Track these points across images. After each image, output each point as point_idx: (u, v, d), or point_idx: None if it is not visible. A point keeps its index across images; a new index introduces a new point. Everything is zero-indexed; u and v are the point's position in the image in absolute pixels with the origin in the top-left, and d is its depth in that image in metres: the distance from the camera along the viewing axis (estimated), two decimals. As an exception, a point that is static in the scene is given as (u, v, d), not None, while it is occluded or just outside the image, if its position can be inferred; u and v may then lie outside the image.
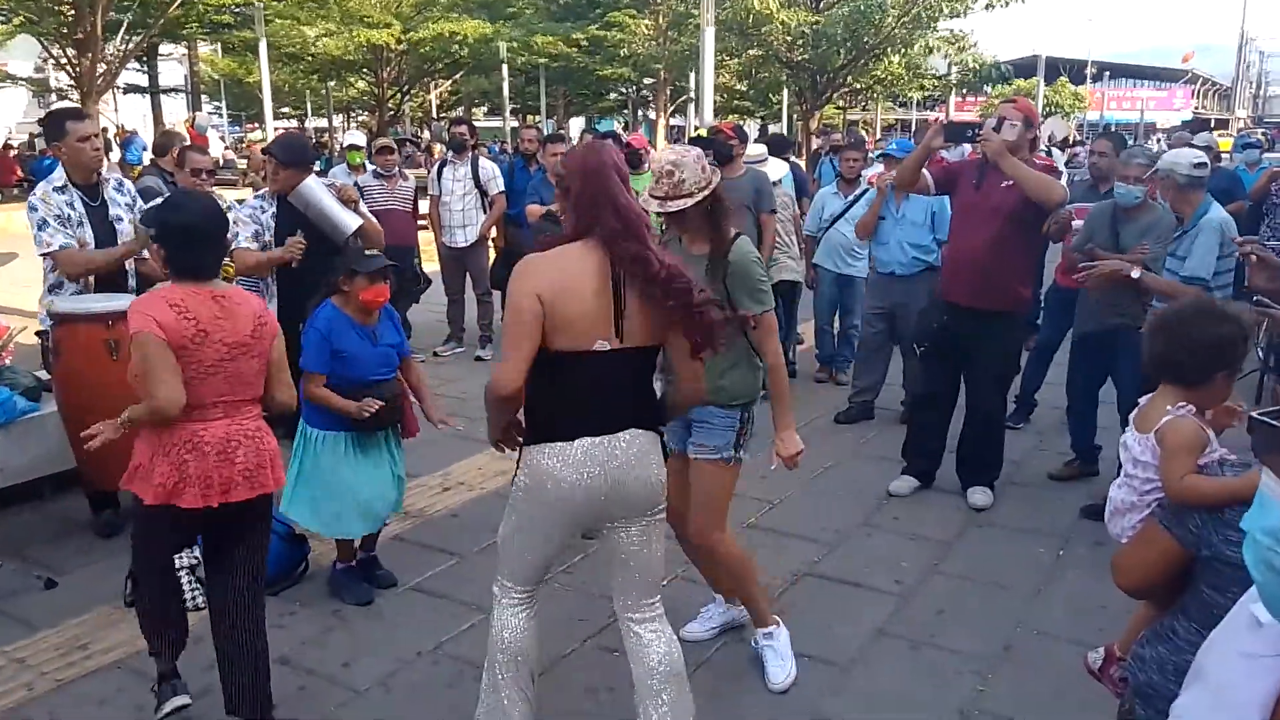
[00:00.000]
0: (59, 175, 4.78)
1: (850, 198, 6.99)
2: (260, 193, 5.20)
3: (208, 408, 2.92)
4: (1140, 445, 2.27)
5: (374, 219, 5.58)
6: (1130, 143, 7.40)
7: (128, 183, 5.19)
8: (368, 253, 4.05)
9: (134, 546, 3.20)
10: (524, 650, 2.93)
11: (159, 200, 4.64)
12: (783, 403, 3.45)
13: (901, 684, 3.57)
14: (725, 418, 3.44)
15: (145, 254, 4.88)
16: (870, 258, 6.79)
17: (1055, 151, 9.55)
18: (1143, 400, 2.36)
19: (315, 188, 4.85)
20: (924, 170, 4.96)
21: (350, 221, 4.89)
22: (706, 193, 3.23)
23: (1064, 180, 6.45)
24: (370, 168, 8.40)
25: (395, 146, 8.30)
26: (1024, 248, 4.93)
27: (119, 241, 4.80)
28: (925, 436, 5.38)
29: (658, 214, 3.27)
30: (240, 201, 5.49)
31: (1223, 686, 0.91)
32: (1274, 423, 0.81)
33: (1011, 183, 4.67)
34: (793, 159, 11.27)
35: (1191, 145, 8.67)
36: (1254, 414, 0.81)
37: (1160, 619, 2.13)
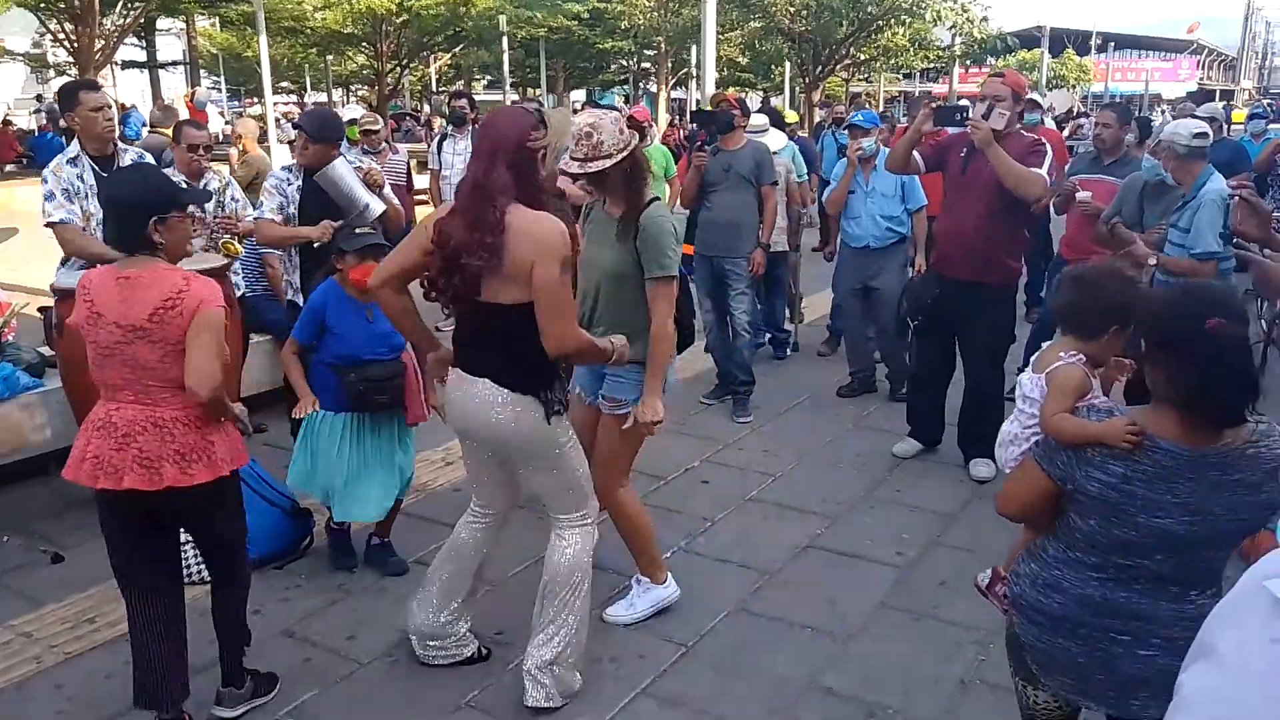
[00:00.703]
0: (73, 146, 4.81)
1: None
2: (287, 165, 5.16)
3: (118, 389, 2.88)
4: (1032, 383, 2.43)
5: (398, 203, 5.56)
6: (1135, 113, 7.35)
7: (148, 155, 5.17)
8: (357, 231, 4.01)
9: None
10: (460, 551, 3.41)
11: None
12: (657, 369, 3.47)
13: (903, 655, 3.59)
14: (636, 375, 3.52)
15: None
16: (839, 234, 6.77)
17: (1049, 121, 9.48)
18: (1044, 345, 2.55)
19: (342, 169, 4.81)
20: (914, 152, 4.98)
21: (374, 205, 4.86)
22: (625, 154, 3.33)
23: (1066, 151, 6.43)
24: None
25: (377, 130, 8.17)
26: (1013, 222, 4.94)
27: None
28: (926, 408, 5.43)
29: (576, 174, 3.42)
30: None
31: (1249, 673, 0.89)
32: None
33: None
34: (800, 134, 11.23)
35: (1194, 116, 8.64)
36: None
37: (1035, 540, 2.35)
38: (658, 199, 3.51)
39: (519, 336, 2.95)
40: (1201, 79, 64.27)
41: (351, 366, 3.84)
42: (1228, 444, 2.01)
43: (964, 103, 4.94)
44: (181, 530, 3.25)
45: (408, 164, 8.15)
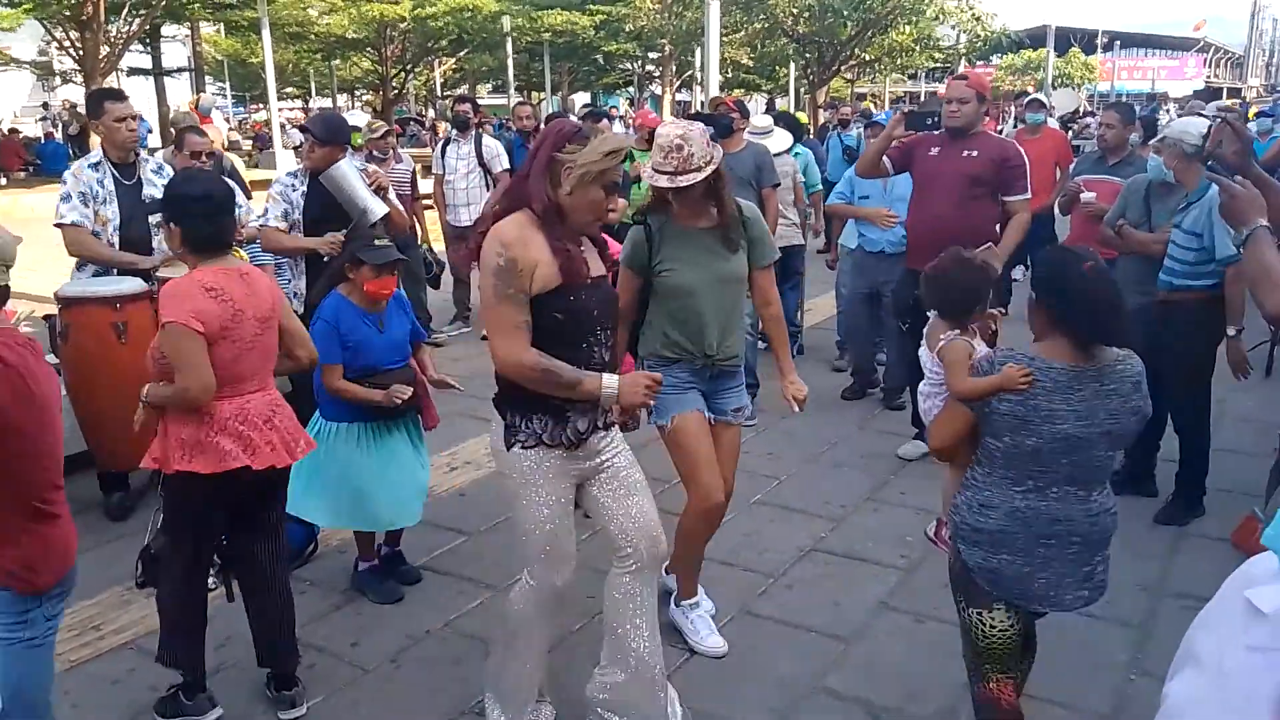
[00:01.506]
0: (96, 151, 4.92)
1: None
2: (292, 170, 5.19)
3: (247, 380, 3.02)
4: (928, 359, 2.93)
5: (401, 208, 5.56)
6: (1139, 112, 7.35)
7: (168, 166, 5.22)
8: (377, 242, 3.89)
9: (174, 541, 3.16)
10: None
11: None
12: (786, 348, 3.63)
13: (906, 657, 3.59)
14: (744, 378, 3.61)
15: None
16: (852, 238, 6.73)
17: (1053, 121, 9.46)
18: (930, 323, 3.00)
19: (347, 171, 4.82)
20: (883, 157, 5.10)
21: (377, 209, 4.85)
22: (713, 167, 3.25)
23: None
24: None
25: (384, 136, 8.14)
26: (987, 212, 5.01)
27: (149, 220, 4.81)
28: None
29: (666, 188, 3.28)
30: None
31: (1228, 678, 0.90)
32: None
33: (974, 152, 4.89)
34: (808, 139, 11.23)
35: (1201, 114, 8.62)
36: None
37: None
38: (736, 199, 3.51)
39: None
40: (1208, 77, 64.11)
41: (370, 377, 3.78)
42: (1102, 362, 2.54)
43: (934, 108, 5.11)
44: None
45: (413, 172, 8.08)
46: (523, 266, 2.66)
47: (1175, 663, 1.01)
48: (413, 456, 4.00)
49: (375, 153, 7.75)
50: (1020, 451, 2.54)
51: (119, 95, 5.09)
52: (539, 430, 2.79)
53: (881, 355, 6.73)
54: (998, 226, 5.12)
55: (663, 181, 3.25)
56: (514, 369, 2.71)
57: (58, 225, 4.78)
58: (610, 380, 2.74)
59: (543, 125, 7.94)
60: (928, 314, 3.11)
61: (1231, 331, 4.48)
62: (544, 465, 2.81)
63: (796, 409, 3.62)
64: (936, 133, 5.13)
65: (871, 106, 29.62)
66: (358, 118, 9.05)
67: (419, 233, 7.98)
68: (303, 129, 5.21)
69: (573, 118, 8.19)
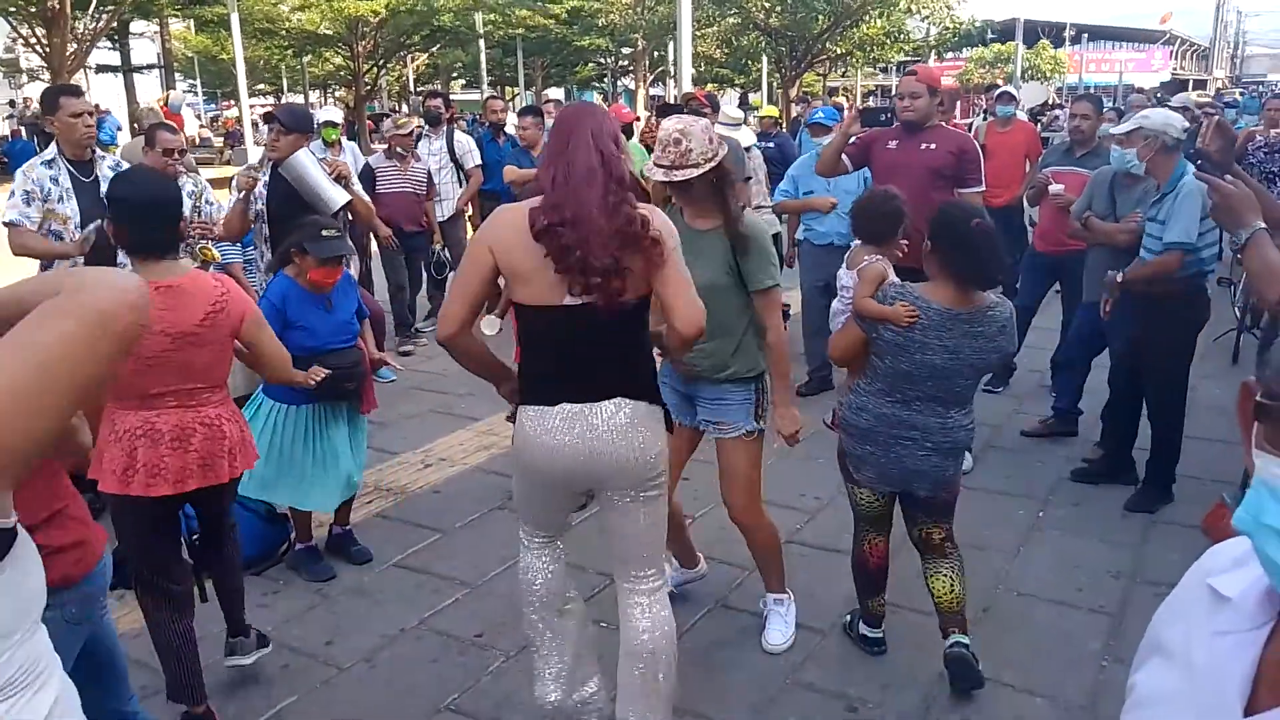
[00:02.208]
0: (51, 149, 4.84)
1: None
2: (252, 162, 5.18)
3: (157, 397, 2.90)
4: (848, 277, 3.66)
5: (365, 196, 5.53)
6: (1107, 105, 7.40)
7: (125, 163, 5.16)
8: (324, 234, 3.87)
9: (131, 557, 3.13)
10: (551, 591, 2.95)
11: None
12: (784, 380, 3.43)
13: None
14: (740, 393, 3.42)
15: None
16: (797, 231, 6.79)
17: (1022, 114, 9.50)
18: (851, 249, 3.78)
19: (306, 161, 4.81)
20: (841, 156, 5.15)
21: (338, 197, 4.84)
22: (713, 164, 3.18)
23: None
24: (347, 145, 8.25)
25: (408, 132, 7.81)
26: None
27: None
28: None
29: (663, 182, 3.25)
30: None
31: (1194, 665, 0.90)
32: (1274, 403, 0.78)
33: (932, 144, 4.95)
34: (780, 133, 11.25)
35: (1168, 105, 8.70)
36: (1259, 398, 0.78)
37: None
38: (745, 206, 3.43)
39: (644, 333, 2.79)
40: (1175, 69, 64.72)
41: (318, 357, 3.79)
42: (975, 306, 3.09)
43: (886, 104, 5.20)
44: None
45: (428, 172, 7.79)
46: None
47: (1140, 653, 1.01)
48: (348, 442, 4.06)
49: (399, 149, 7.56)
50: (895, 371, 3.16)
51: (75, 91, 5.04)
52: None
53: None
54: None
55: (659, 175, 3.20)
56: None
57: (4, 223, 4.73)
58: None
59: (516, 119, 7.92)
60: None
61: (1120, 278, 4.59)
62: None
63: (781, 443, 3.50)
64: (892, 127, 5.19)
65: (844, 100, 29.71)
66: (331, 113, 8.93)
67: (434, 232, 7.87)
68: (268, 118, 5.17)
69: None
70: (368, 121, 23.71)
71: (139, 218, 2.90)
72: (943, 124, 5.27)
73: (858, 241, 3.70)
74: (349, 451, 4.05)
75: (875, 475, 3.31)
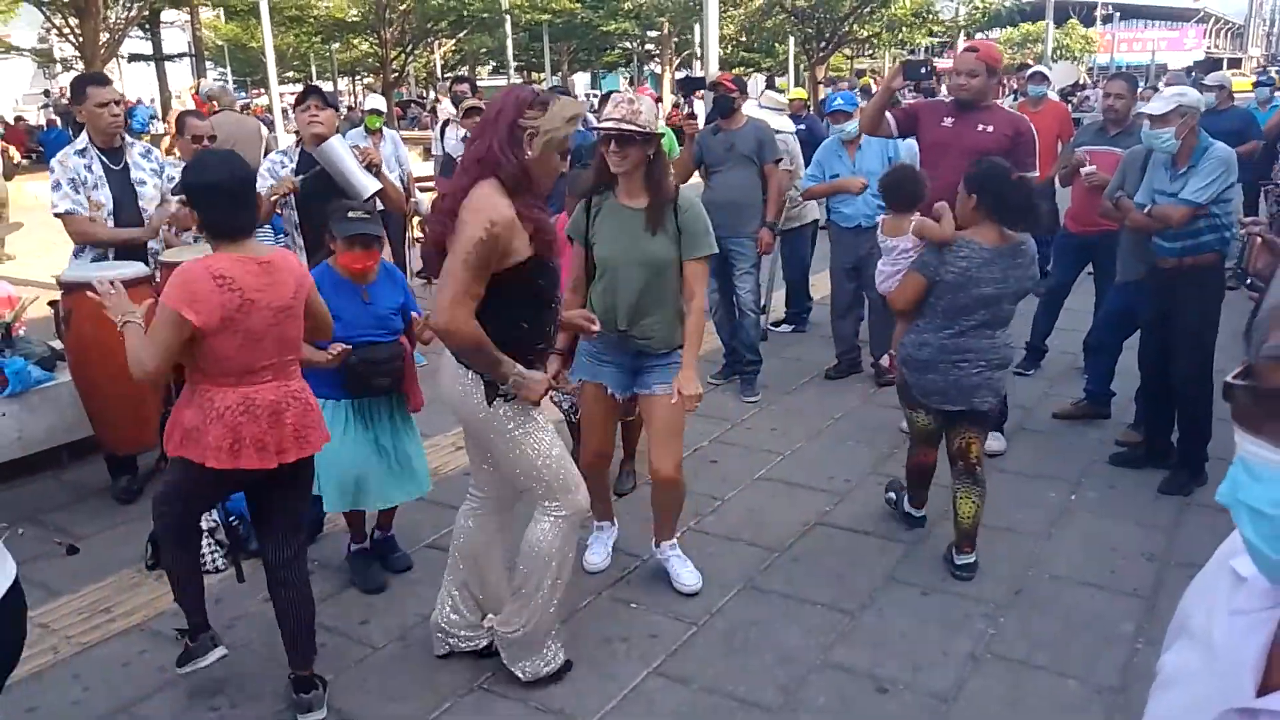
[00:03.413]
0: (82, 138, 4.87)
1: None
2: (283, 148, 5.20)
3: (258, 372, 2.96)
4: (903, 242, 4.08)
5: (397, 184, 5.55)
6: (1141, 85, 7.30)
7: (155, 150, 5.20)
8: (350, 215, 3.80)
9: (165, 507, 3.14)
10: (467, 545, 3.35)
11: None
12: (694, 345, 3.63)
13: (911, 630, 3.60)
14: (674, 357, 3.65)
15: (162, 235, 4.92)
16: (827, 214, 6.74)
17: (1053, 94, 9.37)
18: (883, 219, 4.30)
19: (339, 148, 4.83)
20: (886, 114, 4.96)
21: (369, 184, 4.85)
22: (655, 136, 3.43)
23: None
24: (388, 134, 8.18)
25: (470, 109, 7.83)
26: None
27: (139, 204, 4.82)
28: None
29: (611, 133, 3.40)
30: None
31: (1213, 644, 0.91)
32: (1246, 384, 0.78)
33: (989, 126, 4.77)
34: (808, 115, 11.19)
35: (1203, 84, 8.57)
36: (1227, 379, 0.78)
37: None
38: (682, 183, 3.57)
39: (479, 313, 2.91)
40: (1208, 48, 63.64)
41: (352, 351, 3.67)
42: (1013, 243, 3.76)
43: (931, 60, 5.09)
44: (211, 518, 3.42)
45: None
46: (502, 245, 2.81)
47: (1169, 634, 1.02)
48: (391, 443, 3.90)
49: (470, 134, 7.54)
50: (954, 306, 3.78)
51: (102, 80, 5.06)
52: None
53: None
54: None
55: (609, 125, 3.40)
56: (456, 335, 2.86)
57: (56, 215, 4.78)
58: (522, 371, 2.95)
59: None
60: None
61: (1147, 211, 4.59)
62: (525, 407, 3.03)
63: (677, 401, 3.58)
64: (945, 100, 5.03)
65: (871, 82, 29.46)
66: (375, 101, 8.93)
67: None
68: (301, 96, 5.15)
69: (581, 98, 8.14)
70: (395, 108, 23.75)
71: (234, 197, 2.96)
72: (998, 104, 5.07)
73: (889, 214, 4.26)
74: (390, 454, 3.89)
75: (941, 398, 3.91)
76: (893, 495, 4.47)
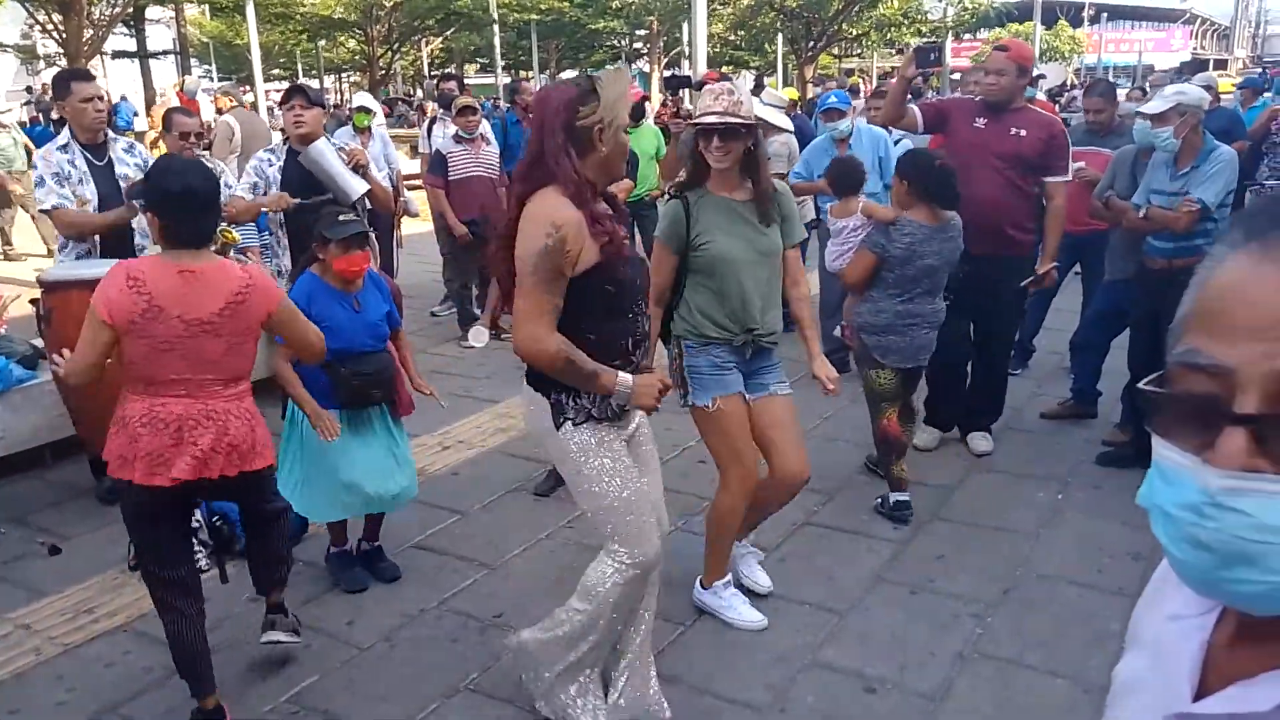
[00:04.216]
0: (64, 134, 4.83)
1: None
2: (270, 146, 5.16)
3: (165, 384, 2.83)
4: (851, 221, 4.65)
5: (385, 184, 5.51)
6: (1129, 85, 7.31)
7: (140, 145, 5.17)
8: (341, 218, 3.74)
9: (134, 544, 3.19)
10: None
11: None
12: (814, 329, 3.64)
13: (900, 629, 3.60)
14: (777, 357, 3.61)
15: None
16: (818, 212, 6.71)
17: (1041, 94, 9.41)
18: (831, 206, 4.92)
19: (325, 149, 4.79)
20: (911, 106, 4.90)
21: (356, 186, 4.80)
22: (754, 125, 3.33)
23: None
24: (377, 132, 8.13)
25: (478, 107, 7.75)
26: (1030, 195, 4.83)
27: (124, 199, 4.80)
28: (951, 392, 5.23)
29: (716, 127, 3.24)
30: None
31: (1155, 647, 0.91)
32: (1159, 390, 0.79)
33: (1022, 130, 4.63)
34: (797, 114, 11.19)
35: (1190, 83, 8.58)
36: (1140, 384, 0.79)
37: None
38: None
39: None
40: (1195, 49, 64.00)
41: (344, 361, 3.63)
42: (943, 220, 4.31)
43: (952, 72, 5.04)
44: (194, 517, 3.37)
45: (499, 156, 7.65)
46: (570, 247, 2.60)
47: (1126, 644, 1.02)
48: (383, 450, 3.84)
49: (462, 133, 7.42)
50: (903, 277, 4.31)
51: (85, 75, 5.03)
52: (587, 405, 2.76)
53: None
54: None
55: (710, 120, 3.23)
56: (538, 355, 2.66)
57: (42, 211, 4.75)
58: (626, 379, 2.70)
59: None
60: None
61: (1143, 214, 4.60)
62: (598, 436, 2.78)
63: (829, 388, 3.55)
64: (977, 100, 4.94)
65: (860, 82, 29.55)
66: (365, 99, 8.84)
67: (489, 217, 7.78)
68: (287, 95, 5.09)
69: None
70: (383, 106, 23.71)
71: (190, 207, 2.86)
72: (1030, 105, 4.95)
73: (836, 200, 4.91)
74: (383, 461, 3.82)
75: (898, 356, 4.41)
76: (879, 500, 4.53)
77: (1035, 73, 8.35)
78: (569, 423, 2.75)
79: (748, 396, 3.49)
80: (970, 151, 4.72)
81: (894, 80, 5.11)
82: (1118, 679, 0.99)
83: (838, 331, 4.85)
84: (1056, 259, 4.96)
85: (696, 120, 3.34)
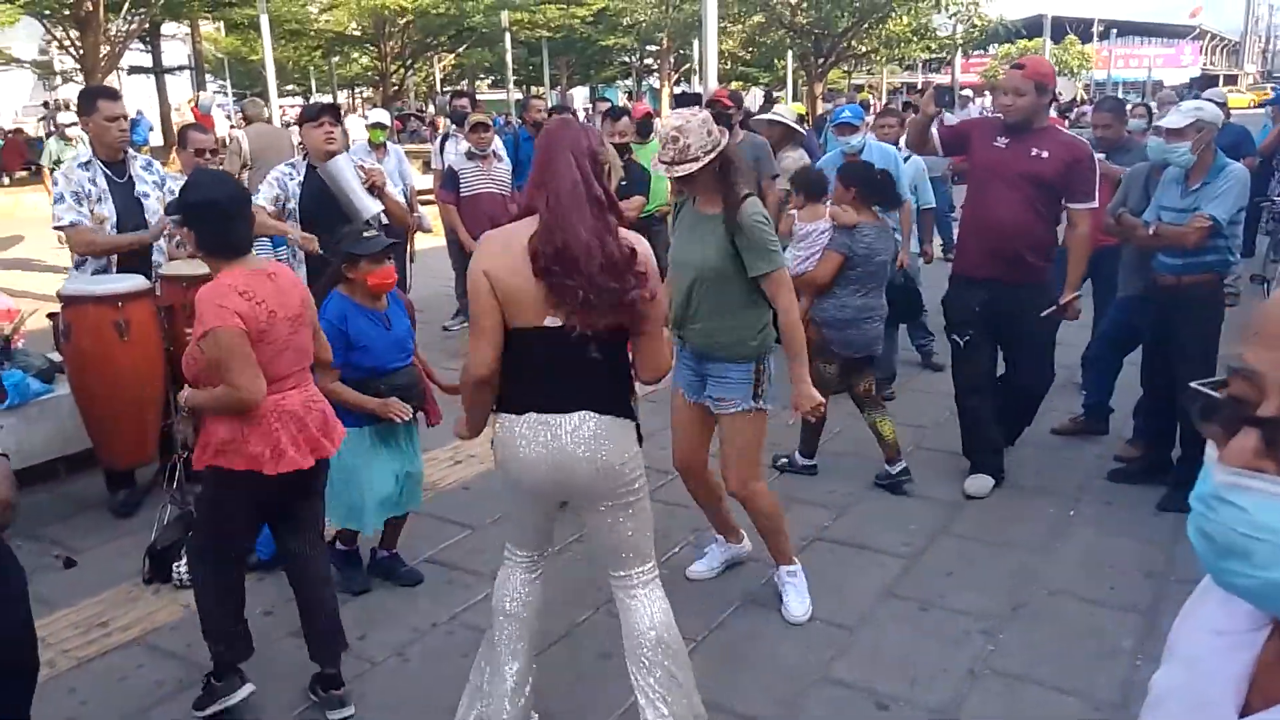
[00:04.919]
0: (85, 151, 4.86)
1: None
2: (292, 160, 5.21)
3: (284, 379, 3.04)
4: (820, 224, 4.91)
5: (401, 201, 5.55)
6: (1136, 100, 7.33)
7: (156, 163, 5.22)
8: (365, 235, 3.82)
9: (204, 533, 3.24)
10: (519, 613, 2.93)
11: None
12: (798, 356, 3.51)
13: (911, 645, 3.60)
14: (739, 371, 3.54)
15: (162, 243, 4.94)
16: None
17: (1052, 110, 9.43)
18: (794, 210, 5.22)
19: (344, 166, 4.84)
20: (932, 131, 4.83)
21: (371, 206, 4.85)
22: (713, 155, 3.32)
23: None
24: (392, 149, 8.19)
25: (490, 124, 7.85)
26: (1050, 220, 4.64)
27: (145, 217, 4.84)
28: (984, 427, 4.99)
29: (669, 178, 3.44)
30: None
31: (1195, 663, 0.91)
32: (1212, 393, 0.82)
33: (1044, 152, 4.46)
34: (806, 130, 11.22)
35: (1200, 98, 8.59)
36: (1192, 384, 0.82)
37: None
38: (751, 195, 3.44)
39: (624, 355, 2.76)
40: (1205, 64, 63.93)
41: (379, 378, 3.71)
42: (883, 222, 4.85)
43: (960, 88, 5.11)
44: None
45: (510, 172, 7.72)
46: None
47: (1164, 654, 1.03)
48: (405, 460, 3.93)
49: (475, 149, 7.47)
50: (865, 274, 4.71)
51: (112, 94, 5.08)
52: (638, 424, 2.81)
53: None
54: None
55: (663, 171, 3.41)
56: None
57: (57, 229, 4.79)
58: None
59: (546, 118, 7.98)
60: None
61: (1153, 230, 4.54)
62: None
63: (791, 419, 3.66)
64: (995, 117, 4.84)
65: (870, 97, 29.60)
66: (379, 115, 8.90)
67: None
68: (319, 109, 5.15)
69: (580, 112, 8.15)
70: (395, 122, 23.85)
71: (235, 215, 3.01)
72: (1057, 126, 4.76)
73: (795, 209, 5.24)
74: (404, 471, 3.90)
75: (854, 347, 4.79)
76: (785, 459, 5.20)
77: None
78: (639, 442, 2.79)
79: (692, 398, 3.73)
80: (987, 171, 4.64)
81: (917, 116, 5.09)
82: (1154, 689, 0.99)
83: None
84: (1079, 289, 4.74)
85: (657, 171, 3.56)
